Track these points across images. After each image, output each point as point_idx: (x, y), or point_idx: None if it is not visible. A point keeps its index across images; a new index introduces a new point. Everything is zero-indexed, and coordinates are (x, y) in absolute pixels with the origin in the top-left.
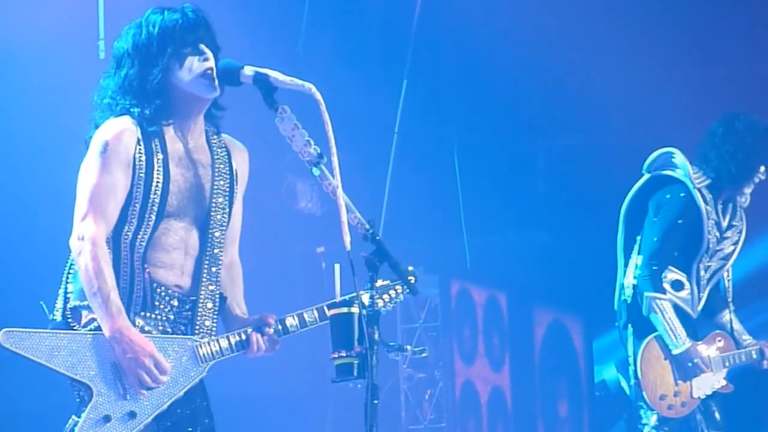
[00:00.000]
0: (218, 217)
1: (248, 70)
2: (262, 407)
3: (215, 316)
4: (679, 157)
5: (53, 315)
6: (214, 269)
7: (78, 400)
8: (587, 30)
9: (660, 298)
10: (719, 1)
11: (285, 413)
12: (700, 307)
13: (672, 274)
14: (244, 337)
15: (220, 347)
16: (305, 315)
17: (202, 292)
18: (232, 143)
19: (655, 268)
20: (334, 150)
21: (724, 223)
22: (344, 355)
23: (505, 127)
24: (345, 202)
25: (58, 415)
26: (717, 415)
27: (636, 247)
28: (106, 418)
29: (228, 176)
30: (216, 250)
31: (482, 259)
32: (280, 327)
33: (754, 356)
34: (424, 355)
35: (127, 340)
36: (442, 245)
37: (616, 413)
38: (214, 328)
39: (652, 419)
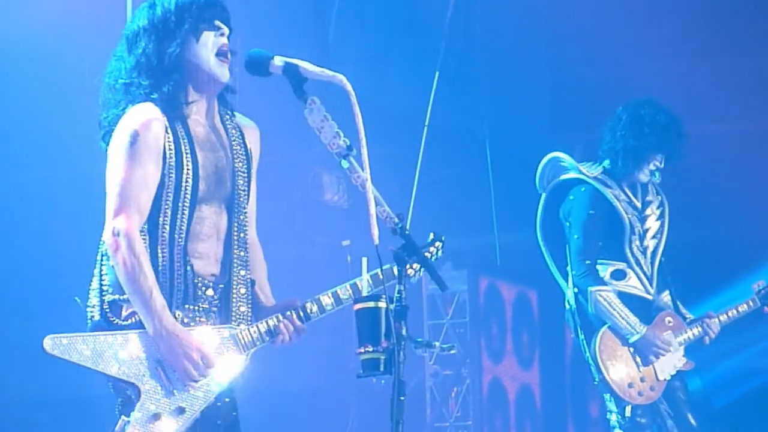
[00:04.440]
0: (241, 199)
1: (278, 61)
2: (286, 401)
3: (249, 302)
4: (565, 159)
5: (90, 313)
6: (242, 253)
7: (120, 400)
8: (624, 23)
9: (603, 290)
10: None
11: (309, 408)
12: (654, 288)
13: (610, 267)
14: (272, 324)
15: (260, 334)
16: (340, 292)
17: (234, 278)
18: (244, 122)
19: (588, 263)
20: (363, 142)
21: (638, 203)
22: (371, 350)
23: (539, 121)
24: (374, 195)
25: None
26: (692, 421)
27: (568, 260)
28: (156, 416)
29: (244, 157)
30: (242, 234)
31: (513, 255)
32: (301, 313)
33: (703, 332)
34: (452, 352)
35: (174, 337)
36: (472, 240)
37: None
38: (249, 314)
39: (627, 410)
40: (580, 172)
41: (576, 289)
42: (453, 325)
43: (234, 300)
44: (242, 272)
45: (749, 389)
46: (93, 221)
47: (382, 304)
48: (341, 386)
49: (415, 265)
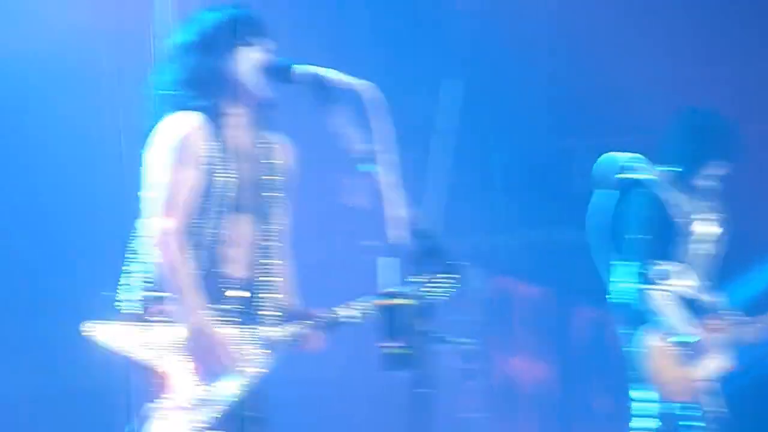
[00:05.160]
0: (271, 211)
1: (302, 68)
2: (312, 393)
3: (274, 306)
4: (623, 158)
5: (122, 306)
6: (269, 261)
7: (148, 390)
8: (634, 30)
9: (655, 288)
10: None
11: (334, 400)
12: (704, 290)
13: (661, 266)
14: (296, 331)
15: (285, 336)
16: (342, 311)
17: (261, 284)
18: (278, 138)
19: (642, 261)
20: (385, 147)
21: (692, 207)
22: (393, 345)
23: (543, 127)
24: (394, 197)
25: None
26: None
27: (615, 256)
28: (182, 407)
29: (277, 171)
30: (269, 243)
31: (526, 255)
32: (323, 321)
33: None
34: (469, 346)
35: (204, 333)
36: (486, 241)
37: None
38: (275, 318)
39: (665, 404)
40: (638, 173)
41: (628, 285)
42: (470, 321)
43: (260, 304)
44: (268, 278)
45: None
46: (121, 220)
47: (404, 301)
48: (364, 379)
49: (433, 290)
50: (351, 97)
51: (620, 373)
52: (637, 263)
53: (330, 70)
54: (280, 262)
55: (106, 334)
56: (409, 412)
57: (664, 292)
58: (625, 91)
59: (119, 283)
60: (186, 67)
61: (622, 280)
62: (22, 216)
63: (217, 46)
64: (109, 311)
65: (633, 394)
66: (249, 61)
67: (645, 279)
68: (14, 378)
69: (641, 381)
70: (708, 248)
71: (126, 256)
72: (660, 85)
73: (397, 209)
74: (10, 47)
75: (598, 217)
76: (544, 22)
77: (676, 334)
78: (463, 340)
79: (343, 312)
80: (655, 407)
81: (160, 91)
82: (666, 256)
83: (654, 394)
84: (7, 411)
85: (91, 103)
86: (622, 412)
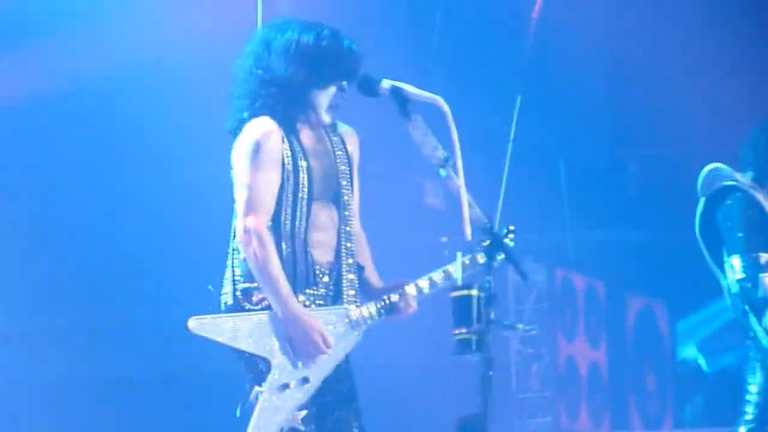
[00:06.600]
0: (345, 198)
1: (386, 84)
2: (393, 376)
3: (357, 286)
4: (724, 168)
5: (224, 299)
6: (349, 245)
7: (251, 375)
8: (679, 50)
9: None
10: None
11: (411, 381)
12: None
13: (762, 257)
14: (387, 302)
15: (370, 313)
16: (435, 277)
17: (344, 266)
18: (344, 129)
19: (754, 255)
20: (458, 154)
21: None
22: (464, 331)
23: (603, 138)
24: (467, 199)
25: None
26: None
27: (725, 254)
28: (285, 386)
29: (346, 160)
30: (348, 228)
31: (583, 251)
32: (415, 291)
33: None
34: (533, 333)
35: (300, 320)
36: (549, 239)
37: (695, 388)
38: (357, 297)
39: None
40: (737, 180)
41: (743, 275)
42: (534, 310)
43: (344, 285)
44: (350, 260)
45: None
46: (225, 219)
47: (475, 292)
48: (439, 363)
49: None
50: (425, 108)
51: (662, 356)
52: (750, 256)
53: (408, 84)
54: (360, 243)
55: (212, 327)
56: (478, 392)
57: None
58: (672, 108)
59: (223, 277)
60: (287, 67)
61: (737, 273)
62: (140, 217)
63: (321, 69)
64: (214, 303)
65: None
66: (328, 97)
67: (761, 268)
68: (142, 362)
69: None
70: None
71: (228, 252)
72: (700, 102)
73: (468, 209)
74: (132, 55)
75: (704, 220)
76: (603, 48)
77: None
78: (527, 327)
79: (423, 283)
80: None
81: (256, 68)
82: (765, 248)
83: None
84: (134, 392)
85: (200, 106)
86: (669, 393)
